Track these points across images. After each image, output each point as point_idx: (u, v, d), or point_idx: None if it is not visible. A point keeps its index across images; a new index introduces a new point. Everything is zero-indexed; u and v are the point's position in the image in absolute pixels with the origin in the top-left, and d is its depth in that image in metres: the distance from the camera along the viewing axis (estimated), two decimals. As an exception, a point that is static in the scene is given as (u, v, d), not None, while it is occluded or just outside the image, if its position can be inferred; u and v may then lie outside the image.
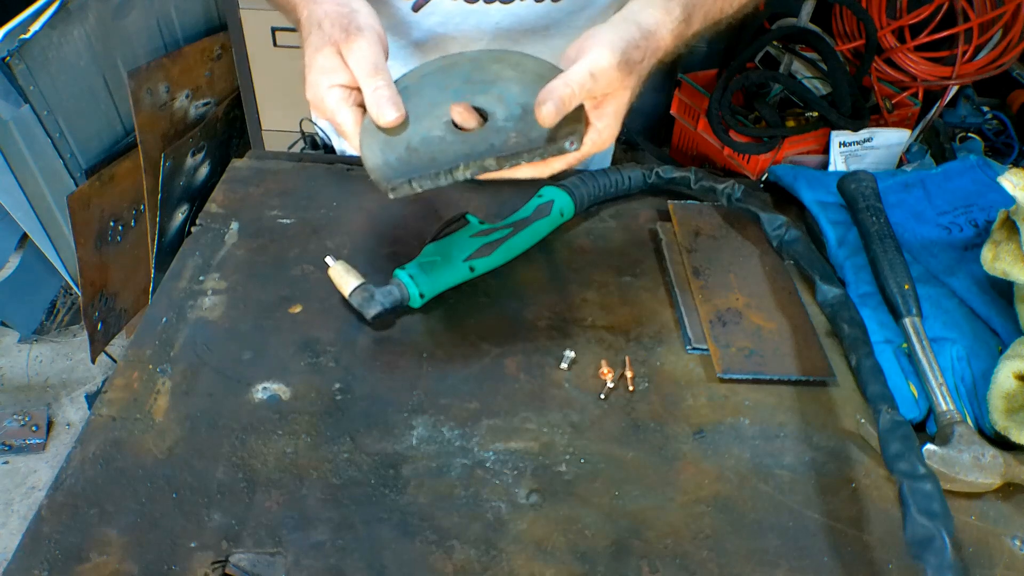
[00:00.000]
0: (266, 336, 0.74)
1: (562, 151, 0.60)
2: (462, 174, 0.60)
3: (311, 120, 1.05)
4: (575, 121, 0.61)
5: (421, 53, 0.87)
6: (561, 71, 0.62)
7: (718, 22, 0.72)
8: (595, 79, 0.60)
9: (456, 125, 0.64)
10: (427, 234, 0.81)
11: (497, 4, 0.81)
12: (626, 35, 0.62)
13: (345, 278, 0.76)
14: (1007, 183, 0.71)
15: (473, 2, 0.80)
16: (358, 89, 0.64)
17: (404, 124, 0.63)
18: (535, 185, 0.86)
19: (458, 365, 0.73)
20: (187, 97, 1.72)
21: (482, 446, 0.66)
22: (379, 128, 0.63)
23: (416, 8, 0.81)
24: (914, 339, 0.72)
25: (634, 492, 0.63)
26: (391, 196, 0.60)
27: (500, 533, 0.60)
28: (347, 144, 0.97)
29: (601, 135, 0.64)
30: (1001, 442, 0.66)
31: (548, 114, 0.58)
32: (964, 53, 1.44)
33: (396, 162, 0.62)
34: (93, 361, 1.76)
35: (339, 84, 0.64)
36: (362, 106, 0.65)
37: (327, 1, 0.67)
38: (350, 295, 0.75)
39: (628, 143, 1.75)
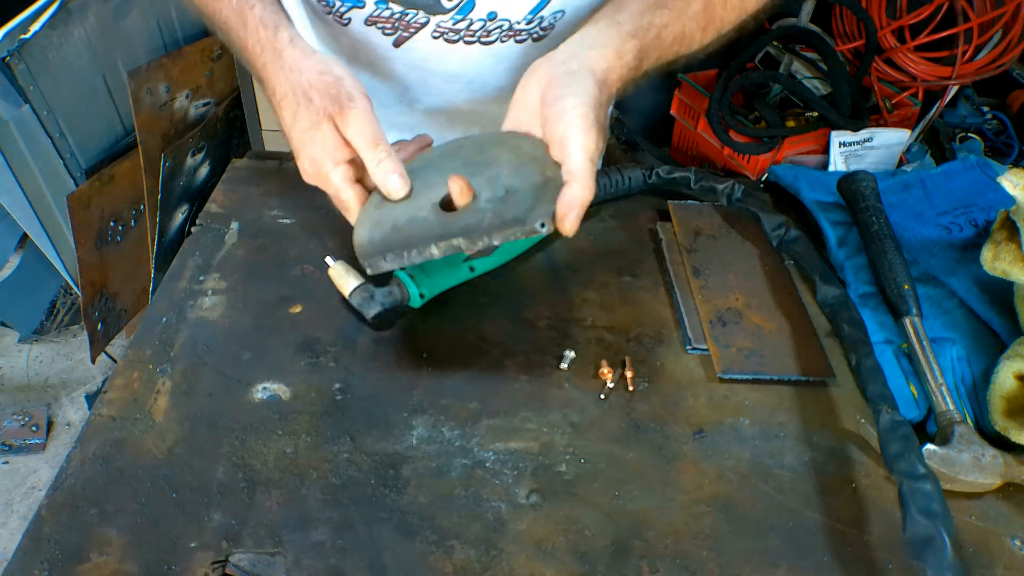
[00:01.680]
0: (266, 336, 0.74)
1: (533, 232, 0.58)
2: (431, 252, 0.60)
3: None
4: (549, 202, 0.60)
5: (403, 87, 0.87)
6: (550, 156, 0.62)
7: (672, 63, 0.71)
8: (593, 160, 0.60)
9: (444, 205, 0.65)
10: (427, 234, 0.81)
11: (477, 45, 0.81)
12: (593, 99, 0.61)
13: (345, 278, 0.76)
14: (1007, 183, 0.71)
15: (454, 42, 0.80)
16: (354, 163, 0.65)
17: (398, 201, 0.66)
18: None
19: (458, 365, 0.73)
20: (187, 97, 1.72)
21: (482, 446, 0.66)
22: (374, 207, 0.66)
23: (397, 44, 0.81)
24: (914, 339, 0.72)
25: (634, 492, 0.63)
26: (369, 272, 0.62)
27: (500, 533, 0.60)
28: None
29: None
30: (1001, 442, 0.66)
31: (573, 226, 0.58)
32: (964, 53, 1.44)
33: (379, 240, 0.64)
34: (93, 361, 1.76)
35: (344, 161, 0.64)
36: (360, 181, 0.66)
37: (307, 69, 0.66)
38: (350, 295, 0.75)
39: (628, 143, 1.74)
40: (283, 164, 0.97)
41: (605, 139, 0.63)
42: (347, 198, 0.65)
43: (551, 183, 0.61)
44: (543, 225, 0.58)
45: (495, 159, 0.66)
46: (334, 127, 0.64)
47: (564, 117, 0.60)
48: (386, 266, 0.62)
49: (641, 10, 0.65)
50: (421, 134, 0.80)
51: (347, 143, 0.66)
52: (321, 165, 0.65)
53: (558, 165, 0.61)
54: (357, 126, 0.63)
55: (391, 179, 0.63)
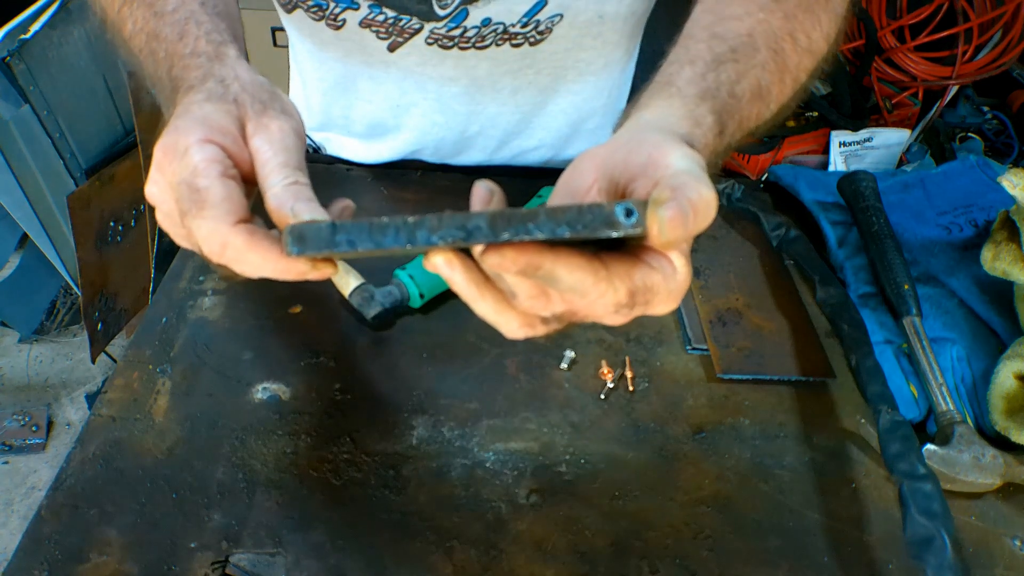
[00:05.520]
0: (266, 336, 0.74)
1: (609, 223, 0.35)
2: (431, 227, 0.35)
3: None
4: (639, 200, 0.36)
5: (398, 92, 0.87)
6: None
7: (753, 132, 0.55)
8: (702, 167, 0.40)
9: None
10: (427, 234, 0.81)
11: (472, 50, 0.81)
12: (683, 141, 0.42)
13: (345, 278, 0.76)
14: (1007, 183, 0.71)
15: (448, 48, 0.80)
16: (244, 176, 0.46)
17: None
18: (535, 185, 0.86)
19: (458, 365, 0.73)
20: (187, 97, 1.72)
21: (482, 446, 0.66)
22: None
23: (392, 49, 0.81)
24: (914, 339, 0.72)
25: (634, 492, 0.63)
26: (292, 248, 0.37)
27: (500, 533, 0.60)
28: (342, 152, 0.97)
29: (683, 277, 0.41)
30: (1001, 442, 0.66)
31: (669, 221, 0.34)
32: (964, 53, 1.44)
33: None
34: (93, 361, 1.76)
35: (218, 143, 0.44)
36: (233, 179, 0.44)
37: (244, 71, 0.49)
38: (350, 295, 0.75)
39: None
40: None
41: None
42: (208, 185, 0.42)
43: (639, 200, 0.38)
44: (629, 213, 0.35)
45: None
46: (237, 119, 0.46)
47: (643, 147, 0.41)
48: (327, 237, 0.36)
49: (700, 72, 0.50)
50: (390, 160, 0.73)
51: (245, 145, 0.46)
52: (185, 134, 0.43)
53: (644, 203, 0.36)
54: (280, 136, 0.45)
55: (301, 202, 0.42)
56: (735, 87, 0.51)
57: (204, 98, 0.46)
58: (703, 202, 0.36)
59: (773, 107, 0.55)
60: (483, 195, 0.39)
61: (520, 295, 0.39)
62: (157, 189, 0.45)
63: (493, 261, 0.36)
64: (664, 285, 0.39)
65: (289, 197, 0.43)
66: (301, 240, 0.36)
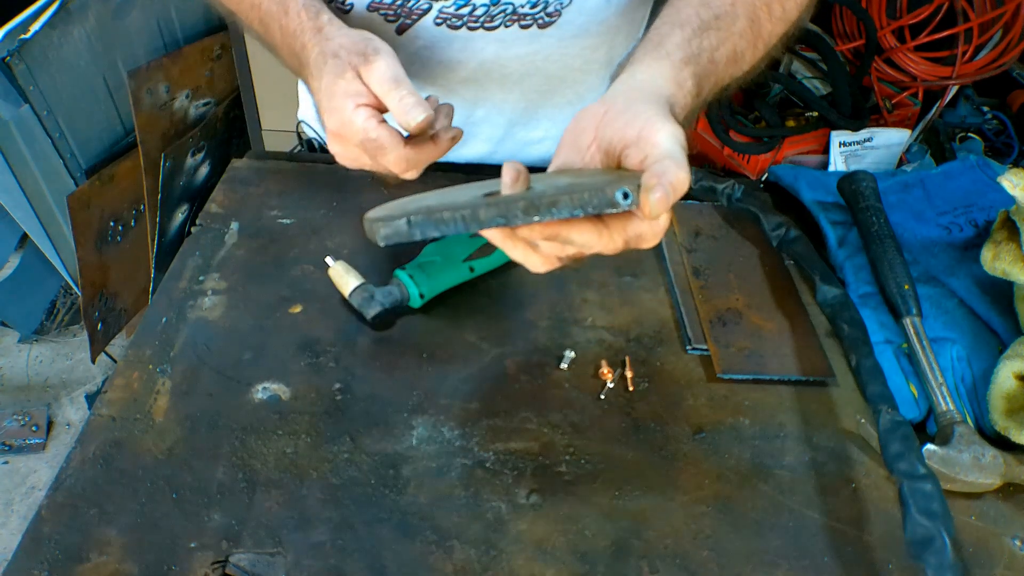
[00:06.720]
0: (266, 336, 0.74)
1: (612, 204, 0.47)
2: (481, 218, 0.49)
3: (307, 124, 1.05)
4: (632, 179, 0.49)
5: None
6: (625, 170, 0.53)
7: (726, 87, 0.66)
8: (684, 147, 0.51)
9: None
10: (427, 234, 0.81)
11: (481, 31, 0.81)
12: (667, 110, 0.54)
13: (345, 278, 0.76)
14: (1007, 183, 0.71)
15: (457, 28, 0.80)
16: (382, 109, 0.64)
17: (426, 197, 0.58)
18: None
19: (458, 365, 0.73)
20: (187, 97, 1.72)
21: (482, 446, 0.66)
22: (396, 202, 0.60)
23: (400, 31, 0.81)
24: (914, 339, 0.72)
25: (634, 492, 0.63)
26: (381, 242, 0.51)
27: (500, 533, 0.60)
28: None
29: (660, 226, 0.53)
30: (1001, 442, 0.66)
31: (660, 202, 0.47)
32: (964, 53, 1.44)
33: (398, 208, 0.54)
34: (93, 361, 1.76)
35: (364, 104, 0.63)
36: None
37: (340, 36, 0.66)
38: (350, 295, 0.75)
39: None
40: (283, 164, 0.97)
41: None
42: (379, 134, 0.62)
43: (630, 174, 0.51)
44: (626, 196, 0.47)
45: (551, 178, 0.55)
46: (357, 76, 0.63)
47: (636, 120, 0.52)
48: (405, 231, 0.50)
49: (687, 37, 0.60)
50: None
51: (370, 92, 0.64)
52: (344, 110, 0.63)
53: (637, 175, 0.50)
54: (379, 72, 0.62)
55: (412, 110, 0.60)
56: (715, 53, 0.61)
57: (336, 77, 0.64)
58: (680, 183, 0.48)
59: (745, 68, 0.66)
60: (512, 174, 0.52)
61: (542, 247, 0.53)
62: (341, 148, 0.66)
63: (524, 233, 0.52)
64: (650, 230, 0.51)
65: (401, 112, 0.62)
66: (386, 237, 0.51)
